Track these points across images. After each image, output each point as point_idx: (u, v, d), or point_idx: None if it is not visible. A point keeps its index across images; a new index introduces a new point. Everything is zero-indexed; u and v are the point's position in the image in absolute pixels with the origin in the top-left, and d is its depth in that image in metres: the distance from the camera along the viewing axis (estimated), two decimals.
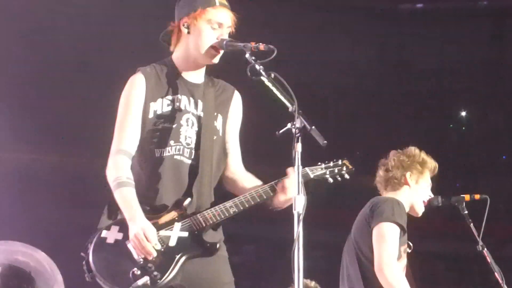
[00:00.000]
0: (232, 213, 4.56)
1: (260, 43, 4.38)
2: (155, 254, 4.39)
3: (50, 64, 7.10)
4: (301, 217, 4.07)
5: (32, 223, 6.83)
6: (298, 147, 4.11)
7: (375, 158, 6.13)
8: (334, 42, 8.17)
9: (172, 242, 4.47)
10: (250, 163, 4.75)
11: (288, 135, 4.13)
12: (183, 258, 4.47)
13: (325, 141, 4.11)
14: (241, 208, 4.57)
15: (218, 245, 4.56)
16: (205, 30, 4.59)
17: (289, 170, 4.52)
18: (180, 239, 4.48)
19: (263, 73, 4.30)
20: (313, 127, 4.13)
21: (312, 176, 4.70)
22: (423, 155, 5.92)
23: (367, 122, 8.36)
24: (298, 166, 4.09)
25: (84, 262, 4.44)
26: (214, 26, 4.59)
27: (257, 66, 4.33)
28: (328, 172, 4.76)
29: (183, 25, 4.63)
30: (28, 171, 7.02)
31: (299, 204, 4.09)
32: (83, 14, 7.20)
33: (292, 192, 4.26)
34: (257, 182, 4.72)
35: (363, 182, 6.01)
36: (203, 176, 4.59)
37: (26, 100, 7.03)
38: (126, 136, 4.56)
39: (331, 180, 4.77)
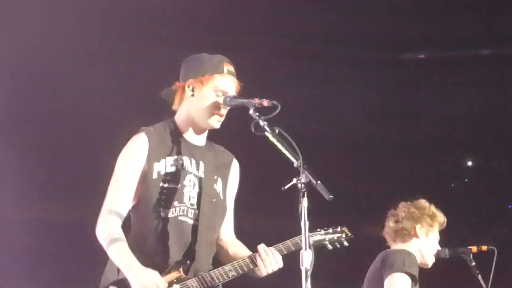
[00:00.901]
0: (231, 276, 4.56)
1: (264, 99, 4.39)
2: None
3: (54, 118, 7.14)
4: (309, 273, 4.07)
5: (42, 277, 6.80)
6: (304, 202, 4.10)
7: (380, 208, 6.12)
8: (336, 93, 8.19)
9: None
10: (257, 216, 4.76)
11: (294, 190, 4.14)
12: None
13: (331, 196, 4.11)
14: (240, 272, 4.57)
15: None
16: (209, 96, 4.61)
17: (259, 248, 4.56)
18: None
19: (267, 128, 4.30)
20: (319, 182, 4.13)
21: (311, 242, 4.68)
22: (433, 208, 5.91)
23: (371, 172, 8.34)
24: (305, 221, 4.08)
25: None
26: (219, 93, 4.60)
27: (261, 122, 4.33)
28: (327, 239, 4.79)
29: (188, 87, 4.64)
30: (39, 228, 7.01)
31: (307, 260, 4.08)
32: (88, 66, 7.24)
33: (263, 272, 4.50)
34: (243, 249, 4.72)
35: (370, 233, 5.99)
36: (202, 238, 4.58)
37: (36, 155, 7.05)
38: (120, 197, 4.54)
39: (330, 247, 4.80)
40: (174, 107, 4.72)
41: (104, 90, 7.23)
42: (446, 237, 5.97)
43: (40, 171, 6.95)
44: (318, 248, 4.72)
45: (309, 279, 4.05)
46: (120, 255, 4.43)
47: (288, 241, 4.57)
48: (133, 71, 7.08)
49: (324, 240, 4.77)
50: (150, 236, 4.53)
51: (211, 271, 4.54)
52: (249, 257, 4.58)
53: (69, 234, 6.96)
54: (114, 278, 4.52)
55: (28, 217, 7.01)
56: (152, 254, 4.49)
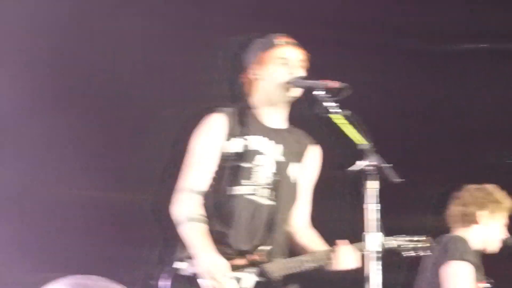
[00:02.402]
0: (307, 267, 4.54)
1: (333, 81, 4.37)
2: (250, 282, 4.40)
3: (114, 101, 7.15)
4: (374, 256, 4.05)
5: (111, 258, 6.83)
6: (372, 184, 4.08)
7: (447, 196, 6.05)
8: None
9: (249, 286, 4.45)
10: (325, 204, 4.75)
11: (361, 173, 4.12)
12: None
13: (398, 179, 4.09)
14: (316, 264, 4.54)
15: None
16: (273, 69, 4.62)
17: (340, 243, 4.54)
18: (257, 285, 4.46)
19: (336, 110, 4.30)
20: (386, 165, 4.11)
21: (396, 245, 4.70)
22: (499, 194, 5.83)
23: (435, 163, 8.25)
24: (373, 204, 4.03)
25: None
26: (281, 61, 4.61)
27: (328, 104, 4.32)
28: (406, 246, 4.75)
29: (252, 73, 4.67)
30: (103, 209, 7.03)
31: (374, 243, 4.06)
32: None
33: (336, 268, 4.48)
34: (317, 241, 4.69)
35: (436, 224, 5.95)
36: (281, 223, 4.58)
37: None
38: (200, 175, 4.55)
39: (406, 254, 4.77)
40: (246, 96, 4.74)
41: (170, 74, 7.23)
42: None
43: (103, 153, 6.98)
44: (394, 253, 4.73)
45: (374, 263, 4.05)
46: (194, 235, 4.43)
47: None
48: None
49: (401, 246, 4.73)
50: (217, 214, 4.52)
51: (288, 259, 4.53)
52: (325, 251, 4.56)
53: (128, 216, 6.98)
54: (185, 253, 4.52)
55: (89, 198, 7.03)
56: (219, 232, 4.49)
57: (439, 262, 5.57)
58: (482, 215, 5.75)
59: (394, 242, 4.69)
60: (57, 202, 6.91)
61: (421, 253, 4.81)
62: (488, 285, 5.66)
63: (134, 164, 6.59)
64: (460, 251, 5.52)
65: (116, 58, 6.80)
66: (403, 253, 4.76)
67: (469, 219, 5.77)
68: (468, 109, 8.02)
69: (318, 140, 4.84)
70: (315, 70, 4.63)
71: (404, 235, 4.77)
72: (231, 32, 5.22)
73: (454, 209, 5.86)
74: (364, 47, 7.56)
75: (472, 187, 5.90)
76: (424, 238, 4.82)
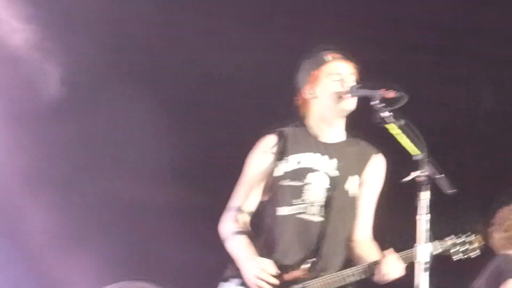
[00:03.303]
0: (349, 281, 4.53)
1: (390, 90, 4.34)
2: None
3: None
4: (424, 267, 4.03)
5: (157, 263, 6.92)
6: (423, 195, 4.06)
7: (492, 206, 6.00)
8: (460, 89, 8.04)
9: None
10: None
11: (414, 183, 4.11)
12: None
13: (452, 190, 4.06)
14: (359, 278, 4.53)
15: None
16: (327, 84, 4.63)
17: (388, 256, 4.52)
18: None
19: (393, 119, 4.28)
20: (441, 175, 4.09)
21: (437, 252, 4.63)
22: None
23: (488, 167, 8.16)
24: (425, 214, 4.00)
25: None
26: (335, 78, 4.62)
27: (384, 113, 4.29)
28: (455, 249, 4.70)
29: (307, 93, 4.69)
30: (155, 209, 7.13)
31: (422, 254, 4.04)
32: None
33: (389, 277, 4.46)
34: (373, 252, 4.65)
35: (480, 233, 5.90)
36: (331, 237, 4.56)
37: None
38: (246, 195, 4.63)
39: (456, 257, 4.72)
40: (303, 117, 4.75)
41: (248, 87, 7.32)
42: None
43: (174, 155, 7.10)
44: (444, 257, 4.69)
45: (425, 274, 4.03)
46: (239, 245, 4.53)
47: (413, 249, 4.31)
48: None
49: (451, 249, 4.70)
50: (268, 234, 4.57)
51: (332, 275, 4.51)
52: (372, 263, 4.53)
53: (194, 220, 7.06)
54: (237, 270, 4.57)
55: (155, 200, 7.14)
56: (270, 252, 4.52)
57: (498, 280, 5.53)
58: None
59: (439, 246, 4.64)
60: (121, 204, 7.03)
61: (472, 255, 4.75)
62: None
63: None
64: None
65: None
66: (453, 257, 4.71)
67: None
68: None
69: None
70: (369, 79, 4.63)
71: (452, 236, 4.72)
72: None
73: (497, 236, 5.80)
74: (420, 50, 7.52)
75: (506, 209, 5.84)
76: (473, 237, 4.76)
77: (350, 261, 4.66)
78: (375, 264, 4.52)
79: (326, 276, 4.51)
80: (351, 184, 4.65)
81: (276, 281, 4.42)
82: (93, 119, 7.14)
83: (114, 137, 7.11)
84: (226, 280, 4.55)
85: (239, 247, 4.52)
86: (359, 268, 4.54)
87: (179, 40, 7.25)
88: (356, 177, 4.66)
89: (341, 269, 4.57)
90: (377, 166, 4.75)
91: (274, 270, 4.44)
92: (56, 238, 6.99)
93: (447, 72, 7.77)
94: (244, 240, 4.53)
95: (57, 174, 6.99)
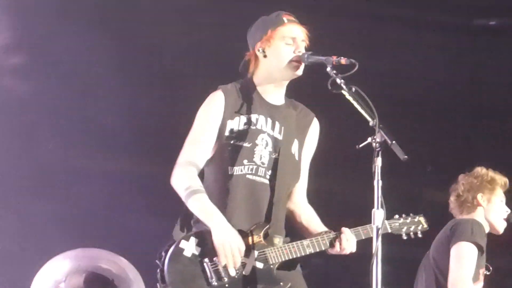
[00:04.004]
0: (308, 252, 4.56)
1: (342, 57, 4.39)
2: (237, 266, 4.39)
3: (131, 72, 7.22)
4: (380, 232, 4.09)
5: (116, 231, 6.91)
6: (378, 161, 4.12)
7: (447, 173, 6.11)
8: (407, 57, 8.12)
9: (247, 271, 4.45)
10: (329, 178, 4.75)
11: (369, 149, 4.15)
12: None
13: (406, 156, 4.11)
14: (317, 249, 4.56)
15: (289, 285, 4.51)
16: (281, 47, 4.63)
17: (344, 232, 4.57)
18: (254, 270, 4.45)
19: (344, 86, 4.31)
20: (394, 141, 4.13)
21: (389, 230, 4.74)
22: (491, 173, 5.92)
23: (440, 137, 8.28)
24: (378, 180, 4.09)
25: (158, 271, 4.43)
26: (288, 41, 4.63)
27: (338, 80, 4.34)
28: (404, 229, 4.81)
29: (258, 51, 4.68)
30: (111, 181, 7.11)
31: (378, 219, 4.10)
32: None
33: (335, 252, 4.52)
34: (315, 219, 4.72)
35: (437, 199, 5.99)
36: (279, 201, 4.59)
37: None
38: (197, 150, 4.58)
39: (405, 237, 4.83)
40: (250, 75, 4.74)
41: (183, 49, 7.28)
42: None
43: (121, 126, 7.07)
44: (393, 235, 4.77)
45: (379, 238, 4.08)
46: (205, 206, 4.46)
47: (367, 226, 4.54)
48: (212, 31, 7.11)
49: (401, 229, 4.79)
50: (216, 193, 4.55)
51: (289, 244, 4.53)
52: (329, 237, 4.58)
53: (142, 187, 7.06)
54: (190, 228, 4.56)
55: (103, 170, 7.12)
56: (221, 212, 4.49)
57: (450, 242, 5.61)
58: (481, 198, 5.81)
59: (388, 226, 4.74)
60: (72, 174, 6.99)
61: (420, 235, 4.86)
62: (487, 272, 5.70)
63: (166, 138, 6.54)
64: (468, 233, 5.56)
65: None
66: (403, 236, 4.83)
67: (470, 205, 5.82)
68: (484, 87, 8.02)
69: (328, 116, 4.85)
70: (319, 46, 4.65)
71: (396, 216, 4.82)
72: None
73: (454, 200, 5.92)
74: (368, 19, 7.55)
75: (463, 175, 5.96)
76: (419, 217, 4.88)
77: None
78: (335, 237, 4.56)
79: (286, 245, 4.53)
80: (295, 147, 4.69)
81: (238, 261, 4.40)
82: (43, 81, 7.09)
83: (64, 102, 7.07)
84: (185, 238, 4.46)
85: (206, 207, 4.46)
86: (318, 240, 4.56)
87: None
88: (299, 140, 4.71)
89: (284, 234, 4.61)
90: (316, 130, 4.81)
91: (243, 246, 4.42)
92: (9, 203, 6.96)
93: (398, 42, 7.83)
94: (207, 200, 4.46)
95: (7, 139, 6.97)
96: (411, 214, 4.86)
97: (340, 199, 5.03)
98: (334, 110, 4.60)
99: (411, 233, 4.82)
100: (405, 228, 4.81)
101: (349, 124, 4.48)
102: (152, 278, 4.53)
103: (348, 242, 4.54)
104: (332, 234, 4.59)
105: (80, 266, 5.65)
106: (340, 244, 4.54)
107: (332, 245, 4.56)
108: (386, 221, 4.59)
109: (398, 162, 4.10)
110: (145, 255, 4.90)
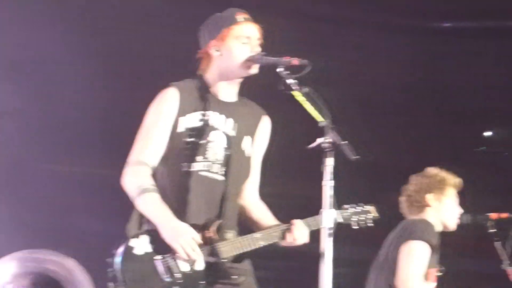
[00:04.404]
0: (260, 245, 4.55)
1: (294, 58, 4.40)
2: (200, 256, 4.39)
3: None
4: (330, 232, 4.10)
5: (63, 232, 6.87)
6: (329, 161, 4.13)
7: (403, 176, 6.15)
8: (363, 59, 8.18)
9: (199, 266, 4.44)
10: (282, 179, 4.76)
11: (320, 150, 4.16)
12: (207, 286, 4.44)
13: (356, 156, 4.14)
14: (269, 242, 4.57)
15: (242, 279, 4.53)
16: (236, 46, 4.62)
17: (296, 223, 4.58)
18: (206, 264, 4.45)
19: (296, 87, 4.32)
20: (344, 142, 4.16)
21: (339, 220, 4.76)
22: (442, 173, 5.95)
23: (395, 139, 8.35)
24: (329, 180, 4.08)
25: (109, 270, 4.40)
26: (243, 40, 4.62)
27: (289, 81, 4.35)
28: (355, 218, 4.84)
29: (212, 49, 4.67)
30: (58, 182, 7.06)
31: (328, 219, 4.11)
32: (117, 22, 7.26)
33: (287, 244, 4.53)
34: (268, 215, 4.73)
35: (390, 201, 6.03)
36: (232, 197, 4.60)
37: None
38: (149, 148, 4.55)
39: (355, 226, 4.85)
40: (203, 72, 4.73)
41: (137, 48, 7.26)
42: (468, 204, 6.00)
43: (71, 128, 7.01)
44: (344, 225, 4.77)
45: (330, 238, 4.09)
46: (153, 205, 4.44)
47: (316, 216, 4.51)
48: (163, 29, 7.09)
49: (351, 218, 4.82)
50: (171, 191, 4.54)
51: (241, 238, 4.54)
52: (280, 228, 4.59)
53: (90, 188, 7.02)
54: (140, 228, 4.53)
55: (57, 171, 7.07)
56: (173, 208, 4.47)
57: (402, 241, 5.64)
58: (431, 198, 5.84)
59: (340, 215, 4.76)
60: (18, 175, 6.94)
61: (369, 224, 4.87)
62: (439, 273, 5.74)
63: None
64: (419, 232, 5.60)
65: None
66: (352, 226, 4.84)
67: (420, 206, 5.87)
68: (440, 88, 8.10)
69: (279, 116, 4.86)
70: (273, 46, 4.66)
71: (346, 206, 4.84)
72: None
73: (404, 200, 5.96)
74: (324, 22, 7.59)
75: (414, 175, 6.01)
76: (369, 206, 4.91)
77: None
78: (287, 229, 4.57)
79: (237, 238, 4.53)
80: (246, 144, 4.69)
81: (199, 255, 4.40)
82: None
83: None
84: (137, 236, 4.44)
85: (155, 207, 4.44)
86: (270, 233, 4.58)
87: None
88: (249, 137, 4.72)
89: (237, 230, 4.62)
90: (266, 127, 4.82)
91: (198, 236, 4.41)
92: None
93: (354, 43, 7.88)
94: (156, 199, 4.44)
95: None
96: (361, 204, 4.89)
97: (293, 199, 5.04)
98: (287, 110, 4.59)
99: (362, 223, 4.85)
100: (356, 217, 4.83)
101: (302, 125, 4.47)
102: (104, 278, 4.49)
103: (300, 232, 4.56)
104: (283, 226, 4.60)
105: (27, 268, 5.61)
106: (292, 236, 4.55)
107: (284, 237, 4.57)
108: (336, 211, 4.60)
109: (353, 162, 4.11)
110: (94, 255, 4.86)
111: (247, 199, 4.76)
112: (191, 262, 4.38)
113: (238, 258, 4.55)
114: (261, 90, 4.82)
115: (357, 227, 4.85)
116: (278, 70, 4.40)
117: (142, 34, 7.17)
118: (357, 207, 4.86)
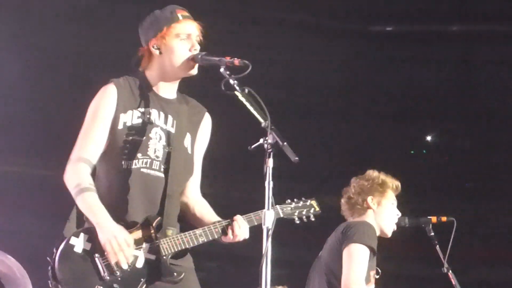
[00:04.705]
0: (200, 241, 4.54)
1: (235, 58, 4.40)
2: (129, 260, 4.36)
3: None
4: (270, 232, 4.10)
5: (3, 230, 6.79)
6: (270, 162, 4.14)
7: (340, 178, 6.18)
8: (303, 61, 8.21)
9: (139, 263, 4.43)
10: (222, 179, 4.76)
11: (261, 150, 4.17)
12: (147, 284, 4.42)
13: (297, 158, 4.14)
14: (210, 238, 4.57)
15: (183, 275, 4.51)
16: (176, 45, 4.61)
17: (237, 219, 4.58)
18: (147, 262, 4.44)
19: (237, 88, 4.32)
20: (285, 143, 4.16)
21: (281, 215, 4.77)
22: (382, 176, 5.98)
23: (334, 142, 8.40)
24: (269, 181, 4.11)
25: (49, 268, 4.38)
26: (183, 37, 4.62)
27: (231, 81, 4.35)
28: (297, 213, 4.84)
29: (153, 47, 4.65)
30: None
31: (269, 219, 4.11)
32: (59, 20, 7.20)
33: (229, 241, 4.52)
34: (209, 212, 4.72)
35: (329, 203, 6.05)
36: (173, 194, 4.58)
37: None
38: (89, 145, 4.53)
39: (297, 221, 4.85)
40: (143, 69, 4.71)
41: (76, 47, 7.20)
42: (407, 207, 6.05)
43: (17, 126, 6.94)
44: (287, 220, 4.78)
45: (269, 239, 4.10)
46: (91, 204, 4.42)
47: (259, 212, 4.52)
48: (103, 28, 7.04)
49: (293, 213, 4.82)
50: (112, 188, 4.52)
51: (182, 234, 4.52)
52: (221, 224, 4.58)
53: (31, 186, 6.95)
54: (82, 225, 4.49)
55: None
56: (113, 206, 4.46)
57: (342, 245, 5.66)
58: (371, 201, 5.88)
59: (280, 210, 4.76)
60: None
61: (313, 218, 4.87)
62: (376, 276, 5.78)
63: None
64: (360, 234, 5.62)
65: None
66: (296, 220, 4.84)
67: (360, 208, 5.90)
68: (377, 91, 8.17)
69: (222, 117, 4.85)
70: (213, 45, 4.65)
71: (288, 200, 4.85)
72: None
73: (345, 202, 5.98)
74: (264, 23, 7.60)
75: (355, 178, 6.04)
76: (310, 201, 4.91)
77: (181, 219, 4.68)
78: (227, 225, 4.57)
79: (178, 235, 4.52)
80: (187, 141, 4.69)
81: (128, 258, 4.36)
82: None
83: None
84: (75, 235, 4.41)
85: (93, 206, 4.41)
86: (211, 228, 4.57)
87: None
88: (188, 134, 4.71)
89: (178, 227, 4.60)
90: (208, 124, 4.83)
91: (131, 239, 4.39)
92: None
93: (294, 46, 7.91)
94: (95, 198, 4.42)
95: None
96: (303, 198, 4.90)
97: (233, 199, 5.03)
98: (228, 110, 4.60)
99: (304, 217, 4.85)
100: (297, 212, 4.84)
101: (242, 125, 4.47)
102: (43, 277, 4.46)
103: (240, 229, 4.56)
104: (224, 222, 4.60)
105: None
106: (233, 231, 4.55)
107: (224, 232, 4.57)
108: (277, 206, 4.67)
109: (294, 164, 4.12)
110: (34, 254, 4.81)
111: (190, 196, 4.75)
112: (118, 265, 4.34)
113: (179, 255, 4.54)
114: (200, 88, 4.80)
115: (299, 222, 4.84)
116: (221, 70, 4.40)
117: (82, 31, 7.10)
118: (298, 202, 4.86)
